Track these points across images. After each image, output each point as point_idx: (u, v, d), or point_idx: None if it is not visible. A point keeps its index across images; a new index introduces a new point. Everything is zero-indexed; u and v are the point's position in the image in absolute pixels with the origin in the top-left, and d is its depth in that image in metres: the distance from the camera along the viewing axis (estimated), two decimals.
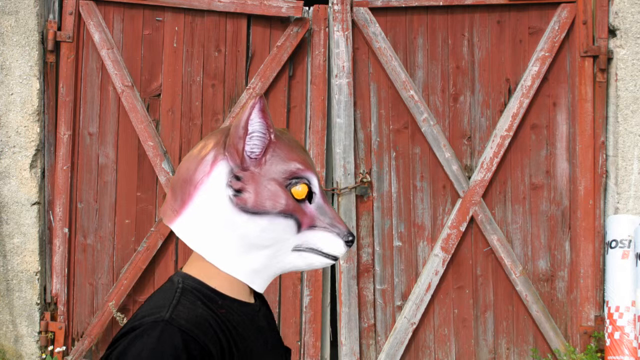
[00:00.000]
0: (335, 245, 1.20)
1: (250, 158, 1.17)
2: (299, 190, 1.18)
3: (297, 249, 1.19)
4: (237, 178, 1.16)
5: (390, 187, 3.65)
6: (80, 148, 3.68)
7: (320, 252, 1.20)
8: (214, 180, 1.17)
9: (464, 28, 3.66)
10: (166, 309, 1.10)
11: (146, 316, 1.09)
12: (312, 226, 1.19)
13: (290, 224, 1.17)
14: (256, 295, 1.29)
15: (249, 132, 1.17)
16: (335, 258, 1.22)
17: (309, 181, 1.19)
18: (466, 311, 3.64)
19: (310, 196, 1.20)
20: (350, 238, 1.21)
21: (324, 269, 3.62)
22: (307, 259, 1.20)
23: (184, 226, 1.19)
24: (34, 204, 3.58)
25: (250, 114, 1.16)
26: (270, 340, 1.28)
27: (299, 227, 1.18)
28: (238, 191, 1.16)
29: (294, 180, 1.18)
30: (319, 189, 1.22)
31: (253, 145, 1.18)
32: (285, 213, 1.16)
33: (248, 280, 1.20)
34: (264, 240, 1.17)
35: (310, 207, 1.20)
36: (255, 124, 1.17)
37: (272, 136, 1.19)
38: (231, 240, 1.17)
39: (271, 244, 1.18)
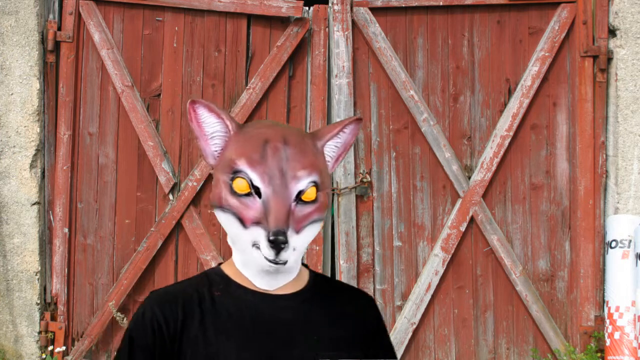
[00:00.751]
0: (264, 245, 1.15)
1: (215, 157, 1.24)
2: (238, 184, 1.17)
3: (255, 245, 1.17)
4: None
5: (390, 187, 3.65)
6: (80, 148, 3.68)
7: (261, 251, 1.17)
8: None
9: (464, 28, 3.66)
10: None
11: None
12: (256, 222, 1.16)
13: (230, 218, 1.18)
14: (312, 291, 1.27)
15: (210, 133, 1.24)
16: (270, 261, 1.15)
17: (247, 175, 1.17)
18: (466, 311, 3.64)
19: (259, 191, 1.17)
20: (273, 237, 1.12)
21: (323, 267, 3.62)
22: (261, 258, 1.17)
23: None
24: (34, 204, 3.58)
25: (190, 122, 1.24)
26: (289, 335, 1.21)
27: (243, 223, 1.17)
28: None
29: (233, 175, 1.18)
30: (263, 183, 1.16)
31: (214, 144, 1.24)
32: (222, 207, 1.19)
33: (244, 272, 1.23)
34: (229, 234, 1.22)
35: (258, 202, 1.16)
36: (214, 124, 1.24)
37: (232, 132, 1.23)
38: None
39: (234, 239, 1.22)
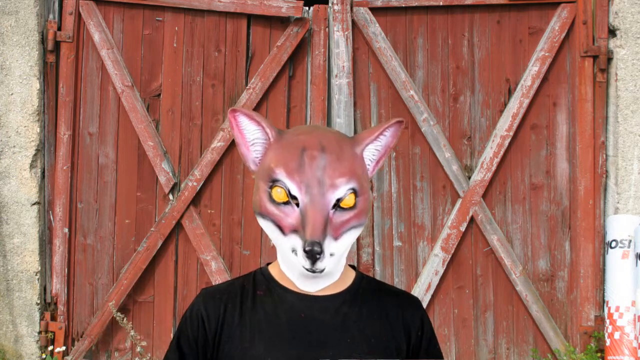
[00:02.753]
0: (300, 255, 1.17)
1: (256, 163, 1.26)
2: (277, 193, 1.19)
3: (294, 251, 1.19)
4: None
5: (390, 187, 3.65)
6: (80, 148, 3.68)
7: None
8: None
9: (464, 28, 3.66)
10: None
11: None
12: (294, 230, 1.18)
13: (269, 225, 1.21)
14: (359, 295, 1.27)
15: (251, 140, 1.27)
16: (307, 270, 1.17)
17: (285, 184, 1.18)
18: (466, 311, 3.64)
19: (297, 200, 1.19)
20: (309, 248, 1.14)
21: None
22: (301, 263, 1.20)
23: None
24: (34, 204, 3.58)
25: (232, 130, 1.27)
26: (323, 335, 1.21)
27: (282, 230, 1.19)
28: None
29: (272, 183, 1.20)
30: (300, 192, 1.17)
31: (256, 151, 1.27)
32: (262, 214, 1.22)
33: (287, 274, 1.26)
34: (271, 238, 1.25)
35: (296, 211, 1.18)
36: (255, 131, 1.26)
37: (272, 140, 1.24)
38: None
39: (275, 243, 1.24)
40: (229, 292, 1.29)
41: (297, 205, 1.18)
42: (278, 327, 1.22)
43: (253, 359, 1.21)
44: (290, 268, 1.25)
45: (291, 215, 1.18)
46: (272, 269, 1.31)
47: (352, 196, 1.19)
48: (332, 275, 1.25)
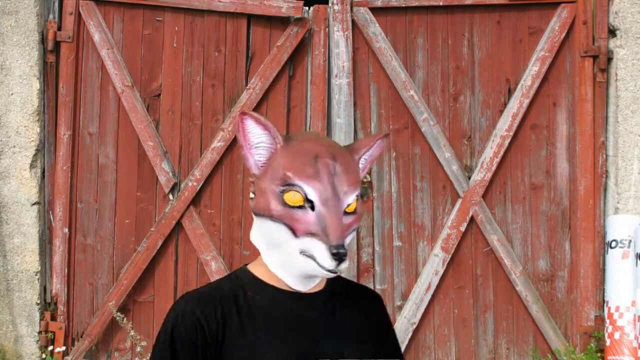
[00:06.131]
0: (324, 257, 1.22)
1: (259, 166, 1.29)
2: (291, 198, 1.24)
3: (303, 253, 1.24)
4: (253, 183, 1.31)
5: (390, 187, 3.65)
6: (80, 148, 3.68)
7: (316, 261, 1.23)
8: None
9: (464, 28, 3.66)
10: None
11: None
12: (309, 233, 1.23)
13: (281, 228, 1.25)
14: (341, 292, 1.37)
15: (255, 143, 1.29)
16: (329, 271, 1.23)
17: (302, 189, 1.23)
18: (466, 311, 3.64)
19: (311, 204, 1.25)
20: (335, 251, 1.20)
21: None
22: (311, 265, 1.24)
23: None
24: (34, 204, 3.58)
25: (238, 132, 1.30)
26: (315, 331, 1.29)
27: (294, 232, 1.24)
28: (254, 193, 1.31)
29: (285, 187, 1.24)
30: (319, 198, 1.23)
31: (259, 154, 1.30)
32: (273, 217, 1.25)
33: (278, 274, 1.30)
34: (272, 240, 1.28)
35: (311, 215, 1.23)
36: (260, 135, 1.29)
37: (279, 145, 1.28)
38: (261, 237, 1.32)
39: (278, 244, 1.27)
40: (220, 294, 1.30)
41: (312, 209, 1.23)
42: (275, 325, 1.28)
43: (257, 357, 1.25)
44: (288, 268, 1.29)
45: (304, 219, 1.23)
46: (254, 270, 1.34)
47: (355, 201, 1.28)
48: None
